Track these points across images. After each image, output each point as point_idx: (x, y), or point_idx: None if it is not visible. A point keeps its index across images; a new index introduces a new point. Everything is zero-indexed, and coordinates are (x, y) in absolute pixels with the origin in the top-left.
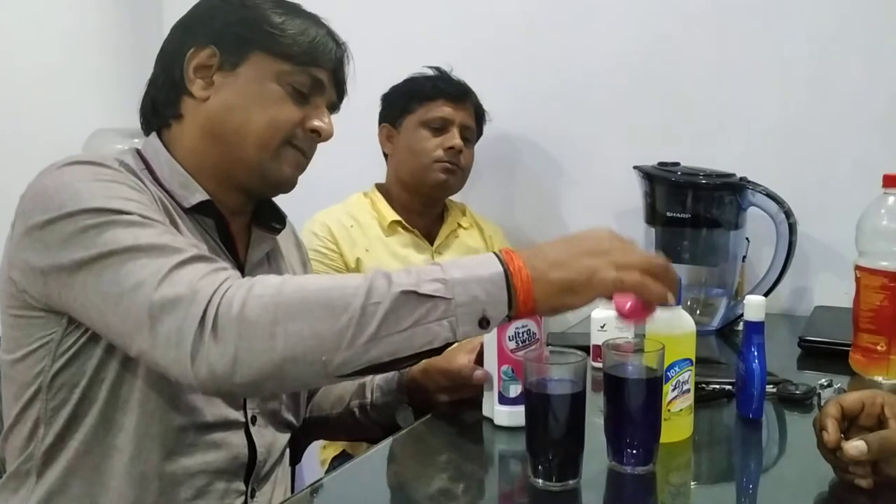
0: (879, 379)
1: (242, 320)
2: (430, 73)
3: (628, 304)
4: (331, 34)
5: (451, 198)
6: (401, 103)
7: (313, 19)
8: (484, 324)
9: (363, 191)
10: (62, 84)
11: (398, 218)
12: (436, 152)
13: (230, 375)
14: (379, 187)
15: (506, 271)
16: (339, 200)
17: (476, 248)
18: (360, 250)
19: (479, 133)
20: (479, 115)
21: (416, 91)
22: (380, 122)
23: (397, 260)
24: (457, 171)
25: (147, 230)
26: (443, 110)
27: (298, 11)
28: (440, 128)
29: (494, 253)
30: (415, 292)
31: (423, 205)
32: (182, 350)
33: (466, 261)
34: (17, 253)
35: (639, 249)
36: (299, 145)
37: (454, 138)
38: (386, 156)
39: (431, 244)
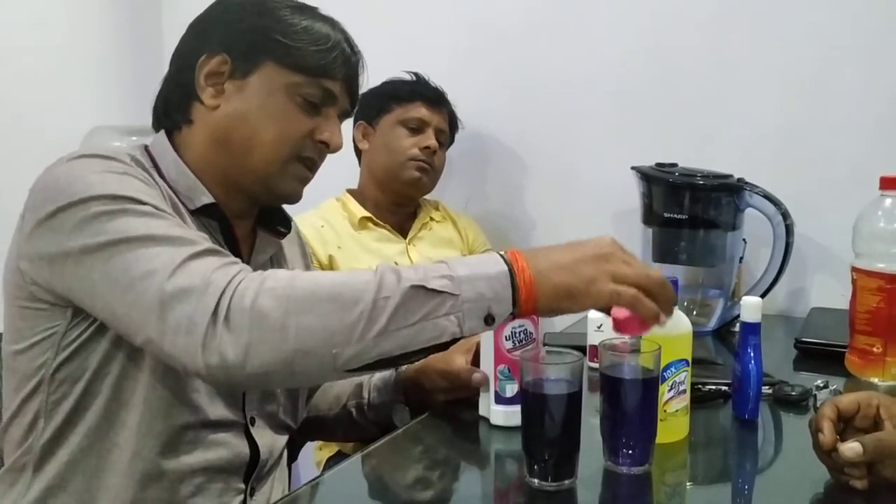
0: (875, 380)
1: (255, 311)
2: (408, 77)
3: (624, 317)
4: (347, 41)
5: (425, 197)
6: (378, 103)
7: (330, 26)
8: (489, 320)
9: (335, 197)
10: (61, 81)
11: (368, 214)
12: (411, 150)
13: (241, 365)
14: (350, 192)
15: (510, 270)
16: (314, 205)
17: (450, 238)
18: (332, 248)
19: (451, 139)
20: (453, 122)
21: (395, 92)
22: (356, 120)
23: (370, 254)
24: (430, 170)
25: (159, 221)
26: (420, 111)
27: (315, 18)
28: (416, 128)
29: (499, 253)
30: (423, 287)
31: (395, 203)
32: (193, 338)
33: (472, 259)
34: (26, 244)
35: (639, 262)
36: (307, 156)
37: (430, 139)
38: (358, 155)
39: (404, 238)
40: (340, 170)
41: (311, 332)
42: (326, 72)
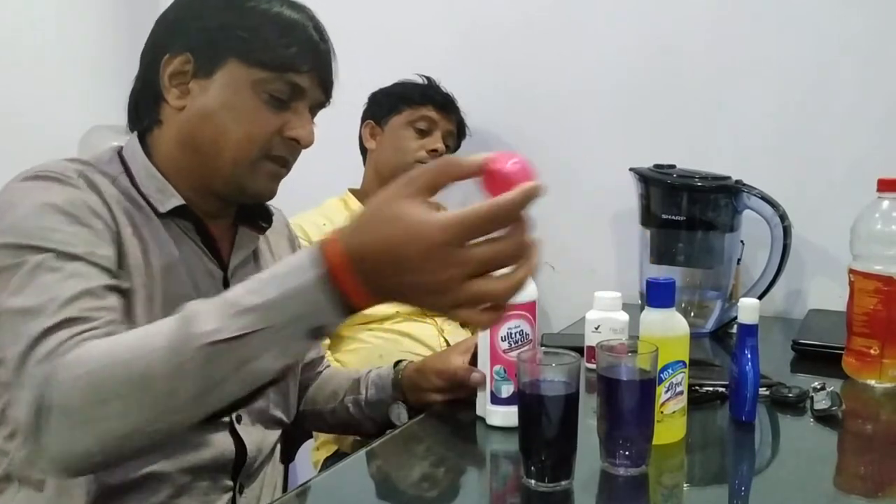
0: (872, 382)
1: (63, 411)
2: (420, 80)
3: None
4: (317, 29)
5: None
6: (389, 103)
7: (297, 13)
8: (317, 334)
9: (338, 196)
10: (59, 80)
11: None
12: (419, 152)
13: (74, 463)
14: (353, 191)
15: (326, 273)
16: (317, 204)
17: None
18: None
19: (458, 146)
20: (461, 129)
21: (407, 94)
22: (364, 119)
23: None
24: None
25: (39, 279)
26: (430, 115)
27: (283, 6)
28: (425, 131)
29: (316, 249)
30: (222, 340)
31: None
32: (30, 446)
33: (283, 269)
34: None
35: (463, 257)
36: (278, 154)
37: (437, 142)
38: (364, 154)
39: None
40: (343, 169)
41: (121, 418)
42: (292, 65)
